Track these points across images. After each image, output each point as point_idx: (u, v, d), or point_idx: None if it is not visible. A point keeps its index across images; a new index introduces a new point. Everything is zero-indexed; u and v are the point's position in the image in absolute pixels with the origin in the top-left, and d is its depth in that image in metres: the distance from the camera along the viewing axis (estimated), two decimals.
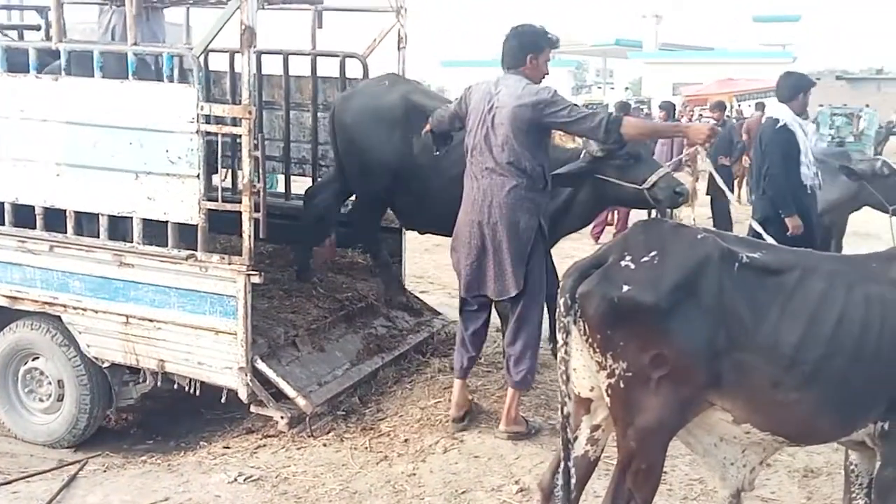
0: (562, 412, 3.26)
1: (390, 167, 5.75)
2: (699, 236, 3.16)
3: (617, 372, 3.05)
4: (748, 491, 3.33)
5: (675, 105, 14.47)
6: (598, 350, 3.09)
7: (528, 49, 4.79)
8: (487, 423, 4.94)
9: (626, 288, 3.03)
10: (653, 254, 3.08)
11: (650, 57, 47.82)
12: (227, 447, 5.07)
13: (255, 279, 4.88)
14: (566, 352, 3.20)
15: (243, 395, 4.97)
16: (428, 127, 5.15)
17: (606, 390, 3.10)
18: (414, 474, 4.44)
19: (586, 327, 3.11)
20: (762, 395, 3.02)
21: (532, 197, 4.71)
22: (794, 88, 6.39)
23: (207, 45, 4.90)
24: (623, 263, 3.10)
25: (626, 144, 4.83)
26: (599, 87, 57.14)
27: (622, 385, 3.05)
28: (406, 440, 4.81)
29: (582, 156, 5.06)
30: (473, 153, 4.77)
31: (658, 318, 2.99)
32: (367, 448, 4.76)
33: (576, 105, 4.78)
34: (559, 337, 3.20)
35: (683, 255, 3.07)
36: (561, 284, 3.23)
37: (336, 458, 4.65)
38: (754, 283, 3.05)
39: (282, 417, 4.97)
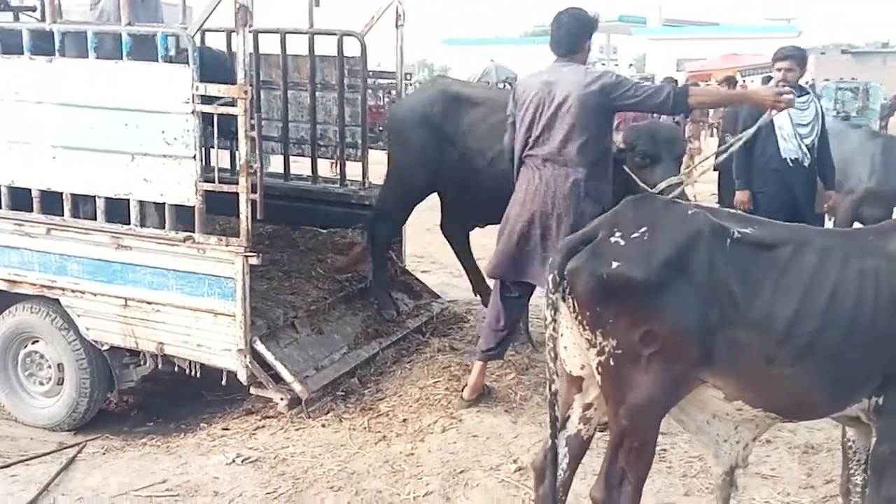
0: (549, 389, 3.23)
1: (433, 162, 5.77)
2: (690, 212, 3.12)
3: (607, 349, 3.02)
4: (742, 468, 3.32)
5: (677, 81, 14.32)
6: (587, 327, 3.06)
7: (585, 35, 4.73)
8: (486, 402, 4.93)
9: (615, 264, 2.99)
10: (643, 229, 3.05)
11: (654, 33, 47.55)
12: (227, 429, 5.07)
13: (253, 260, 4.86)
14: (554, 329, 3.16)
15: (242, 376, 4.97)
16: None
17: (597, 368, 3.08)
18: (412, 454, 4.44)
19: (575, 304, 3.08)
20: (754, 372, 3.00)
21: (596, 186, 4.62)
22: (774, 59, 6.29)
23: (202, 25, 4.86)
24: (613, 239, 3.06)
25: (646, 143, 4.76)
26: (603, 64, 56.75)
27: (612, 363, 3.03)
28: (405, 420, 4.81)
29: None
30: (534, 145, 4.65)
31: (648, 294, 2.96)
32: (365, 428, 4.76)
33: (638, 82, 4.73)
34: (547, 314, 3.17)
35: (674, 230, 3.04)
36: (550, 261, 3.20)
37: (334, 439, 4.65)
38: (747, 259, 3.01)
39: (281, 399, 4.97)
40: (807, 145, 6.11)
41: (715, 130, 15.49)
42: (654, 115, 5.02)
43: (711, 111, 12.91)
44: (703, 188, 12.06)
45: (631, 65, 49.64)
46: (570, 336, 3.17)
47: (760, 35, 37.86)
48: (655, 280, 2.94)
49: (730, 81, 12.27)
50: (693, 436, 3.36)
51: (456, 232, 6.52)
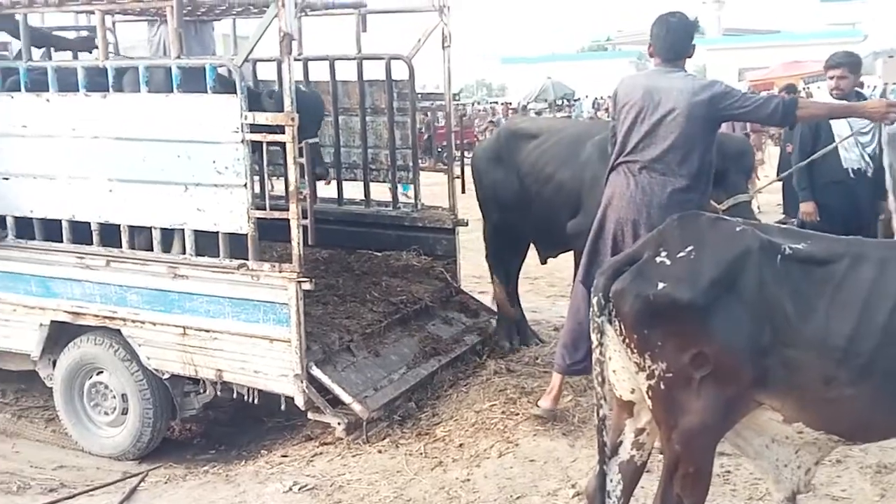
0: (597, 415, 3.15)
1: (505, 198, 6.05)
2: (738, 229, 3.01)
3: (656, 373, 2.93)
4: (805, 492, 3.19)
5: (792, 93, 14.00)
6: (635, 350, 2.97)
7: (690, 39, 4.59)
8: (543, 425, 4.84)
9: (661, 285, 2.90)
10: (689, 248, 2.95)
11: (713, 43, 46.83)
12: (285, 455, 5.08)
13: (307, 286, 4.88)
14: (601, 353, 3.09)
15: (300, 401, 4.97)
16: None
17: (647, 392, 2.99)
18: (468, 480, 4.37)
19: (622, 327, 2.99)
20: (813, 393, 2.87)
21: (693, 199, 4.43)
22: (826, 68, 6.11)
23: (248, 54, 4.91)
24: (658, 259, 2.97)
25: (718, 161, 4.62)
26: None
27: (663, 386, 2.93)
28: (461, 445, 4.74)
29: None
30: (632, 151, 4.51)
31: (696, 315, 2.86)
32: (421, 454, 4.71)
33: (746, 93, 4.63)
34: (593, 337, 3.09)
35: (721, 248, 2.94)
36: (594, 283, 3.12)
37: (391, 465, 4.61)
38: (799, 275, 2.89)
39: (339, 423, 4.95)
40: (868, 154, 5.90)
41: (776, 141, 15.10)
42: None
43: None
44: (767, 198, 11.76)
45: None
46: (619, 360, 3.08)
47: (823, 41, 37.00)
48: (703, 300, 2.85)
49: (790, 89, 11.95)
50: (752, 461, 3.24)
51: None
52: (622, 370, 3.10)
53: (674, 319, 2.89)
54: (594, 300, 3.06)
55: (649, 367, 2.94)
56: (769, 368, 2.85)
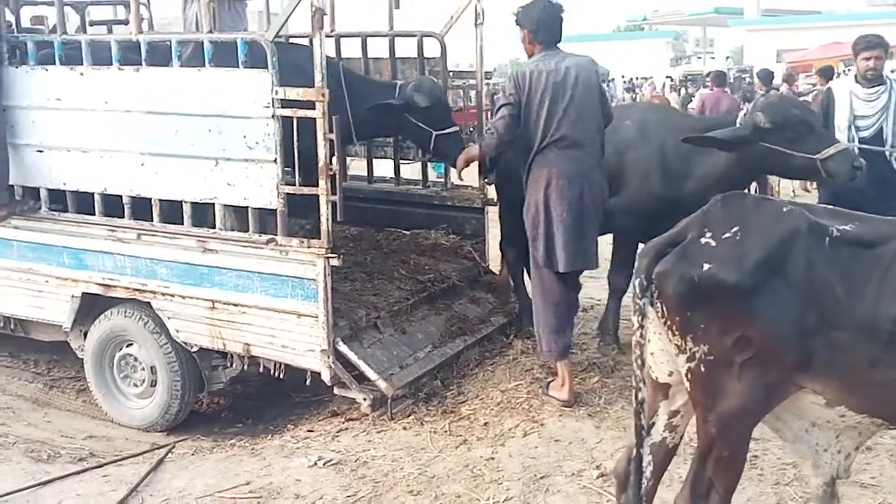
0: (635, 398, 3.12)
1: None
2: (785, 209, 2.94)
3: (697, 355, 2.88)
4: (844, 478, 3.13)
5: (773, 73, 13.83)
6: (676, 333, 2.93)
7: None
8: (569, 406, 4.82)
9: (706, 266, 2.85)
10: (735, 229, 2.89)
11: (752, 24, 46.10)
12: (311, 430, 5.10)
13: (335, 262, 4.88)
14: (641, 335, 3.05)
15: (326, 377, 4.99)
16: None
17: (686, 374, 2.95)
18: (493, 458, 4.37)
19: (664, 309, 2.95)
20: (859, 375, 2.81)
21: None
22: (852, 50, 6.06)
23: (279, 30, 4.90)
24: (703, 240, 2.91)
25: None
26: (699, 58, 55.55)
27: (703, 369, 2.89)
28: (486, 424, 4.74)
29: (740, 121, 4.93)
30: (555, 131, 4.75)
31: (742, 297, 2.81)
32: (446, 431, 4.71)
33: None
34: (634, 319, 3.06)
35: (768, 229, 2.87)
36: (636, 264, 3.08)
37: (415, 442, 4.62)
38: (847, 258, 2.83)
39: (364, 399, 4.96)
40: (862, 138, 5.83)
41: None
42: None
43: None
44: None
45: (728, 57, 48.38)
46: (658, 342, 3.04)
47: (865, 22, 36.28)
48: (750, 283, 2.79)
49: (826, 72, 11.70)
50: (790, 445, 3.18)
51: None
52: (661, 352, 3.05)
53: (718, 301, 2.83)
54: (635, 282, 3.02)
55: (690, 349, 2.89)
56: (813, 352, 2.80)
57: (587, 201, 4.81)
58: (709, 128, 5.08)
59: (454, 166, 5.48)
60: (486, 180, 6.02)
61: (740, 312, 2.83)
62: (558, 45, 4.93)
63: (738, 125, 4.92)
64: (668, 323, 2.95)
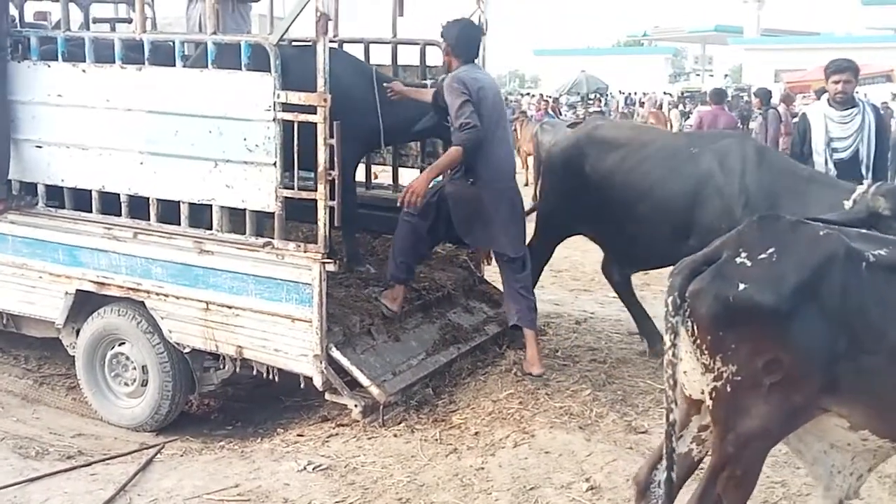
0: (667, 419, 3.07)
1: (578, 208, 6.01)
2: (822, 233, 2.93)
3: (725, 375, 2.87)
4: (852, 499, 3.14)
5: (771, 92, 13.89)
6: (706, 352, 2.91)
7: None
8: (559, 417, 4.83)
9: (742, 286, 2.83)
10: (770, 250, 2.88)
11: (751, 43, 46.32)
12: (301, 435, 5.10)
13: (331, 267, 4.88)
14: (674, 354, 3.02)
15: (318, 382, 4.98)
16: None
17: (710, 392, 2.94)
18: (482, 468, 4.37)
19: (695, 328, 2.93)
20: (887, 400, 2.82)
21: None
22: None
23: (284, 33, 4.91)
24: (738, 260, 2.90)
25: None
26: (698, 75, 55.76)
27: (729, 389, 2.88)
28: (476, 433, 4.74)
29: (851, 204, 4.69)
30: (498, 128, 5.40)
31: (777, 320, 2.79)
32: (437, 440, 4.71)
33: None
34: (666, 338, 3.03)
35: (805, 252, 2.86)
36: (669, 282, 3.06)
37: (405, 450, 4.62)
38: (883, 283, 2.82)
39: (356, 406, 4.96)
40: (836, 160, 5.94)
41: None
42: None
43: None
44: None
45: (726, 75, 48.57)
46: (691, 361, 3.02)
47: (863, 45, 36.52)
48: (786, 305, 2.78)
49: (823, 92, 11.74)
50: (809, 466, 3.19)
51: (612, 273, 6.46)
52: (693, 371, 3.03)
53: (751, 323, 2.83)
54: (668, 300, 3.00)
55: (718, 368, 2.88)
56: (841, 376, 2.79)
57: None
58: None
59: None
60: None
61: (774, 335, 2.82)
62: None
63: (851, 202, 4.70)
64: (698, 342, 2.94)
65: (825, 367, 2.79)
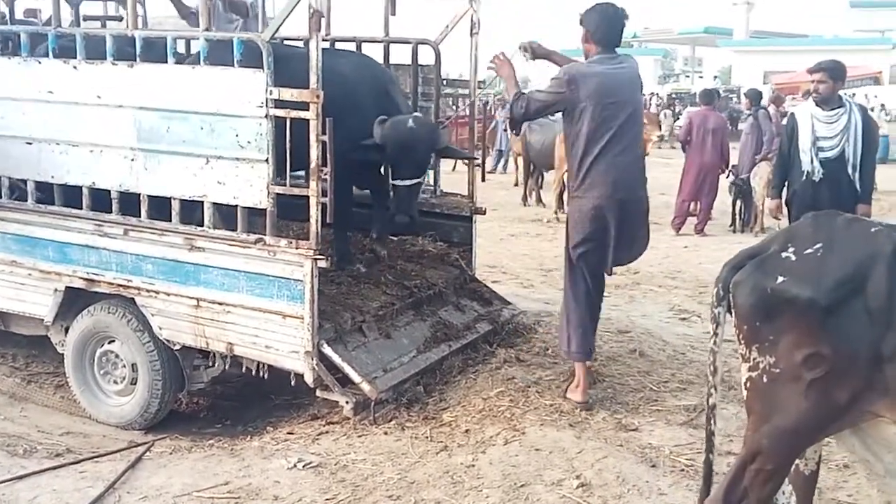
0: (707, 404, 3.18)
1: None
2: (873, 230, 2.89)
3: (761, 366, 2.89)
4: None
5: (761, 93, 13.95)
6: (742, 341, 2.95)
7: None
8: (550, 415, 4.84)
9: (780, 279, 2.85)
10: (817, 246, 2.87)
11: (740, 45, 46.47)
12: (291, 433, 5.09)
13: (322, 263, 4.88)
14: (716, 343, 3.11)
15: (309, 379, 4.98)
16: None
17: (745, 382, 2.97)
18: (473, 466, 4.36)
19: (735, 317, 2.99)
20: None
21: None
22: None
23: (276, 30, 4.90)
24: (784, 254, 2.91)
25: None
26: (687, 76, 55.93)
27: (765, 380, 2.89)
28: (467, 431, 4.74)
29: None
30: (624, 132, 4.89)
31: (816, 314, 2.78)
32: (427, 437, 4.71)
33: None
34: (710, 327, 3.11)
35: (851, 249, 2.84)
36: (719, 273, 3.10)
37: (396, 447, 4.62)
38: None
39: (347, 402, 4.95)
40: (822, 159, 6.18)
41: None
42: None
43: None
44: None
45: (716, 77, 48.74)
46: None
47: (850, 48, 36.67)
48: (826, 300, 2.77)
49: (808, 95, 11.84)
50: (880, 479, 3.17)
51: None
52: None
53: (789, 315, 2.83)
54: (714, 290, 3.07)
55: (755, 359, 2.91)
56: (890, 380, 2.74)
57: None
58: None
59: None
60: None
61: (813, 329, 2.81)
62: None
63: None
64: (737, 332, 2.99)
65: (870, 366, 2.74)
